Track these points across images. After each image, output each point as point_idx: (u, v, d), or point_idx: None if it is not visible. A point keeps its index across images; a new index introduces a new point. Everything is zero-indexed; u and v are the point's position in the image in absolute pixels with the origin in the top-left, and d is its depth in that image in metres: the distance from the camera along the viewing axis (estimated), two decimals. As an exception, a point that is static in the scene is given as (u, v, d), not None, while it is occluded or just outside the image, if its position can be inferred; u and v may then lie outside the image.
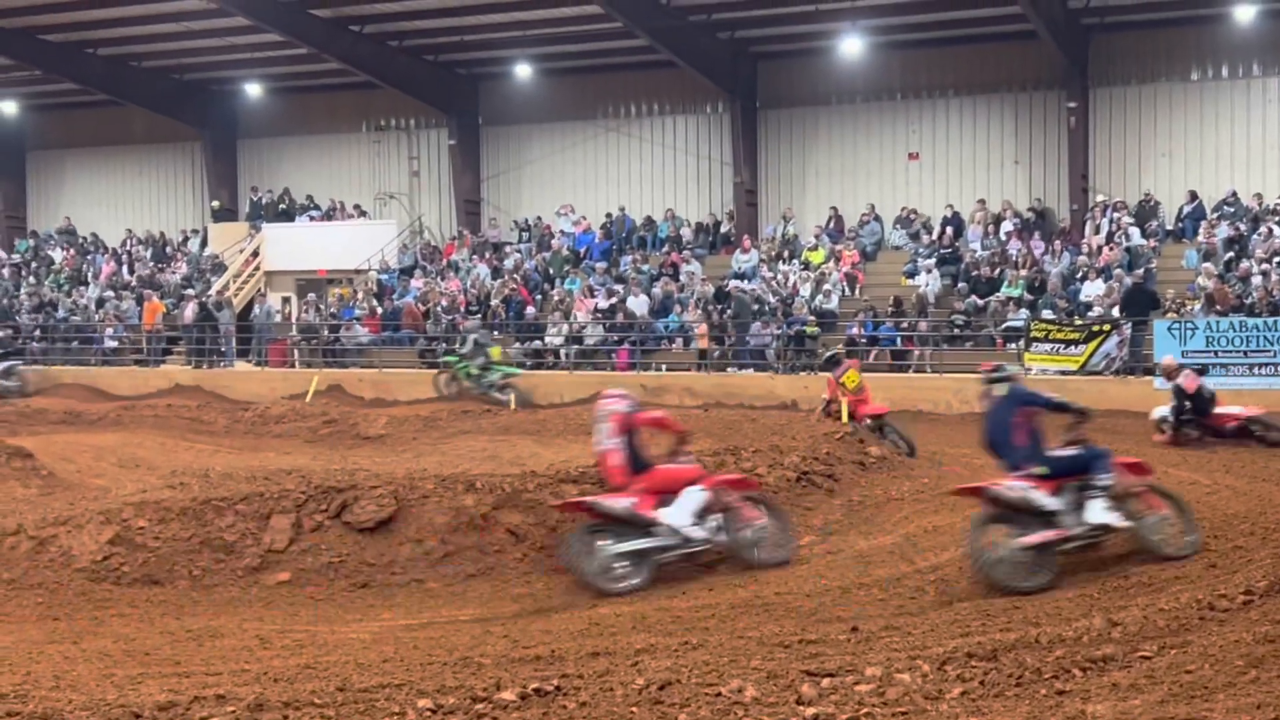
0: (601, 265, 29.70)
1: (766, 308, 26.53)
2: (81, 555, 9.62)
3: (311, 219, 33.77)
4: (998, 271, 25.96)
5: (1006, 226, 27.60)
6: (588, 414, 21.94)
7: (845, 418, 17.08)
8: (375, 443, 20.67)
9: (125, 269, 34.55)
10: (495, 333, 26.87)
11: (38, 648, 7.84)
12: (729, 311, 26.77)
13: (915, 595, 9.10)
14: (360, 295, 30.35)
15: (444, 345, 26.91)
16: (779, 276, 27.85)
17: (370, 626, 8.69)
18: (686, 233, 30.74)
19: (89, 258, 35.74)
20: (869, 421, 17.19)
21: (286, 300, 31.88)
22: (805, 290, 26.91)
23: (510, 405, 23.85)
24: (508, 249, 31.64)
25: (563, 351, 27.41)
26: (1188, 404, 18.06)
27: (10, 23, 30.72)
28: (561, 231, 31.63)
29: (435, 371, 26.12)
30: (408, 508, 10.47)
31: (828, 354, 20.90)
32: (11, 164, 38.46)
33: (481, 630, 8.43)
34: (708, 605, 8.98)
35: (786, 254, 28.86)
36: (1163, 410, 18.40)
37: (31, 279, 34.85)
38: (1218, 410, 18.10)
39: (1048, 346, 23.10)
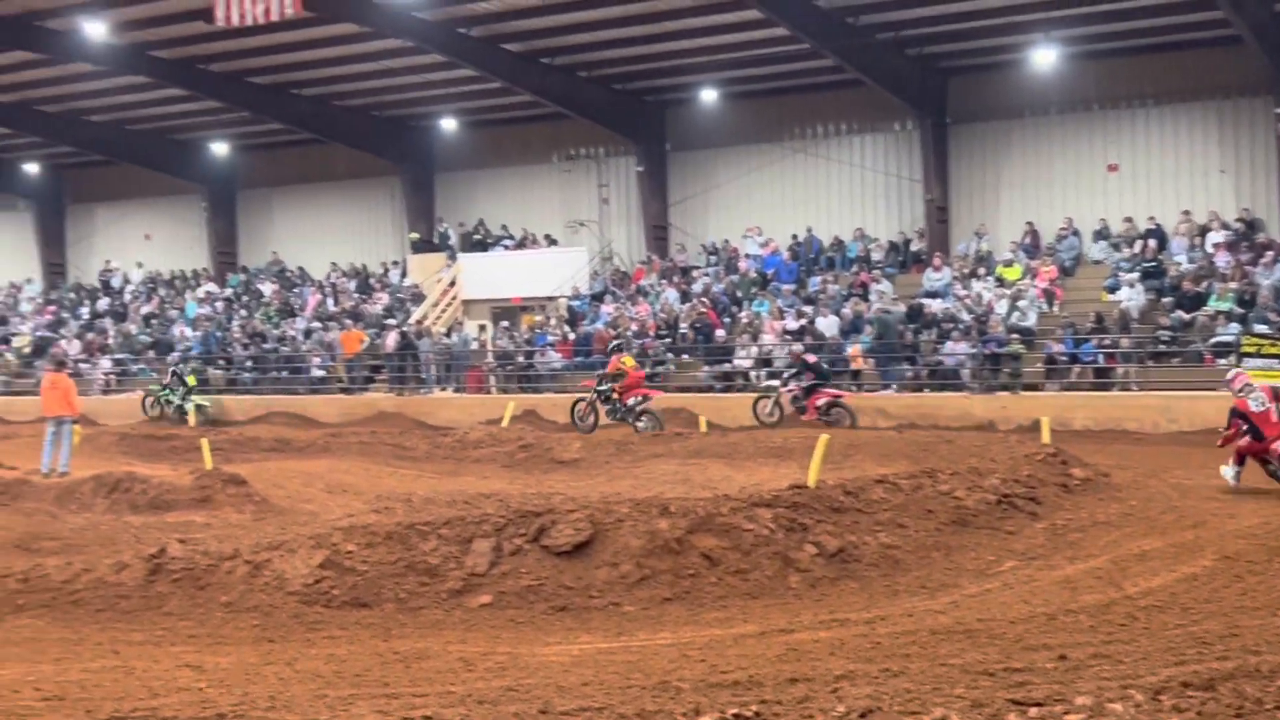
0: (789, 287, 29.58)
1: (960, 326, 26.04)
2: (294, 579, 9.96)
3: (505, 248, 34.48)
4: (1204, 285, 24.97)
5: (1215, 238, 26.52)
6: (779, 437, 21.88)
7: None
8: (569, 467, 20.93)
9: (330, 300, 35.80)
10: (191, 365, 32.46)
11: (254, 669, 8.13)
12: (922, 332, 26.36)
13: (1125, 622, 8.78)
14: (552, 321, 30.83)
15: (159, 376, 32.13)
16: (973, 294, 27.31)
17: (569, 649, 8.78)
18: (876, 252, 30.41)
19: (296, 290, 37.14)
20: (630, 402, 22.90)
21: (482, 328, 32.58)
22: (1000, 308, 26.32)
23: (190, 422, 29.18)
24: (695, 273, 31.77)
25: (752, 374, 27.34)
26: None
27: (222, 67, 32.23)
28: (748, 254, 31.62)
29: (142, 396, 31.45)
30: (603, 532, 10.56)
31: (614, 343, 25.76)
32: (224, 203, 40.26)
33: (679, 654, 8.44)
34: (908, 631, 8.82)
35: (980, 271, 28.29)
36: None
37: (243, 312, 36.36)
38: None
39: (1260, 362, 22.09)
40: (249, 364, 33.12)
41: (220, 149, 39.04)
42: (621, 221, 34.87)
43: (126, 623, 9.63)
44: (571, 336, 30.02)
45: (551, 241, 34.39)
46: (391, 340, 31.41)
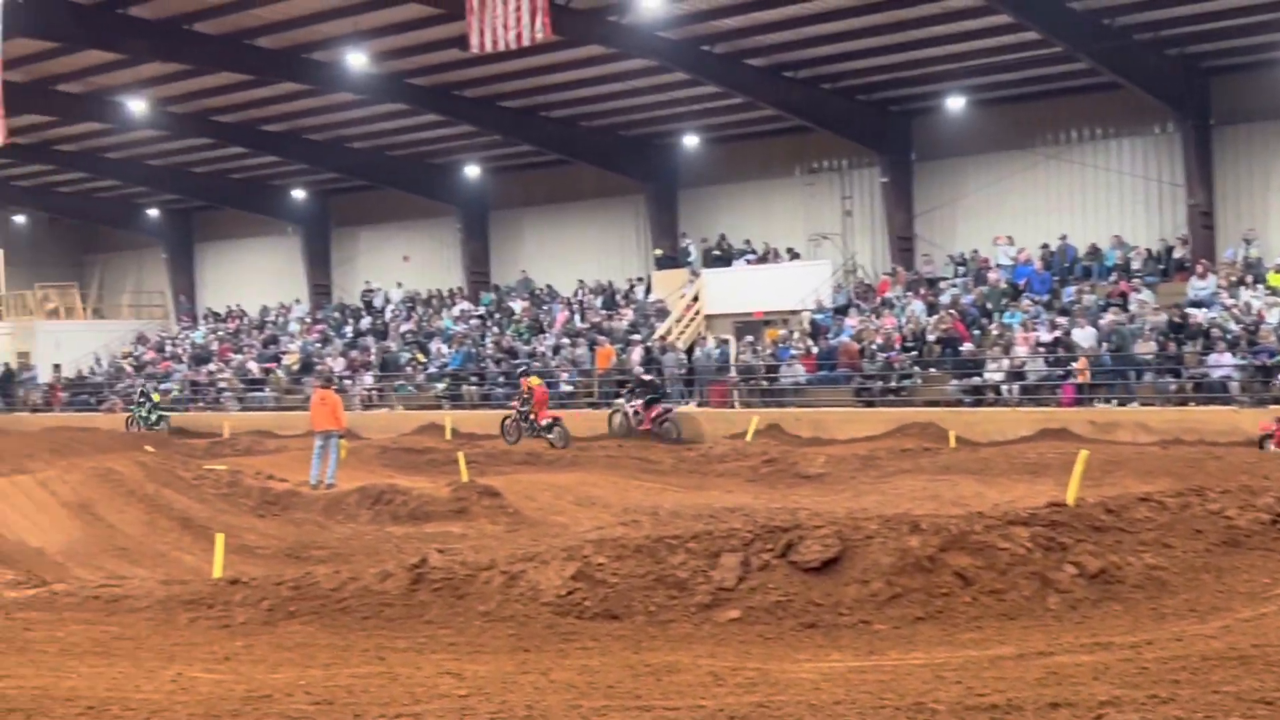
0: (1043, 297, 28.69)
1: (1227, 336, 24.77)
2: (548, 590, 10.14)
3: (748, 262, 34.53)
4: None
5: None
6: (1033, 452, 21.25)
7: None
8: (815, 482, 20.81)
9: (577, 317, 36.52)
10: (161, 384, 38.89)
11: (511, 677, 8.31)
12: (1186, 343, 25.20)
13: None
14: (795, 335, 30.70)
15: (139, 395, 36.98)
16: (1241, 303, 25.94)
17: (819, 666, 8.68)
18: (1135, 260, 29.21)
19: (545, 307, 38.04)
20: (544, 422, 26.89)
21: (725, 342, 32.70)
22: (1272, 317, 24.91)
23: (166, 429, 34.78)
24: (943, 284, 31.15)
25: (1004, 388, 26.62)
26: None
27: (475, 93, 33.34)
28: (999, 264, 30.81)
29: (127, 416, 36.50)
30: (852, 548, 10.41)
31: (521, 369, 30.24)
32: (476, 223, 41.59)
33: (932, 675, 8.24)
34: (1176, 657, 8.39)
35: (1249, 278, 26.85)
36: None
37: (495, 329, 37.44)
38: None
39: None
40: (501, 379, 34.04)
41: (473, 171, 40.35)
42: (865, 233, 34.49)
43: (390, 630, 9.98)
44: (815, 350, 29.82)
45: (794, 255, 34.26)
46: (636, 355, 31.82)
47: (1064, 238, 30.46)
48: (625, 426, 28.49)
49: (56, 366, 45.02)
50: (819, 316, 31.32)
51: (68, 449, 27.85)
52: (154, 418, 36.09)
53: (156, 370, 42.63)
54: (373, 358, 37.81)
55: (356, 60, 29.55)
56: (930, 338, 28.40)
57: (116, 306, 51.75)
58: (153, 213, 48.81)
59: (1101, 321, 26.57)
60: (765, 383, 30.22)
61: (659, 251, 36.53)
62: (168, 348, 45.17)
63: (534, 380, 28.26)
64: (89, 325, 48.92)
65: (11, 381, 44.54)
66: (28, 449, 27.96)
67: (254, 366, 40.22)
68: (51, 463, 21.80)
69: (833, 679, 8.19)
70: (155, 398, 37.02)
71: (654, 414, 28.02)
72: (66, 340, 46.74)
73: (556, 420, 27.16)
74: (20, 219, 50.84)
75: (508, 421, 28.09)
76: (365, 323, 41.32)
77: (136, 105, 33.88)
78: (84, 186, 46.83)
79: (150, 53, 29.87)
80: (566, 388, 32.82)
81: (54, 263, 51.97)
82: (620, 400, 29.25)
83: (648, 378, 28.97)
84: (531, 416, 27.37)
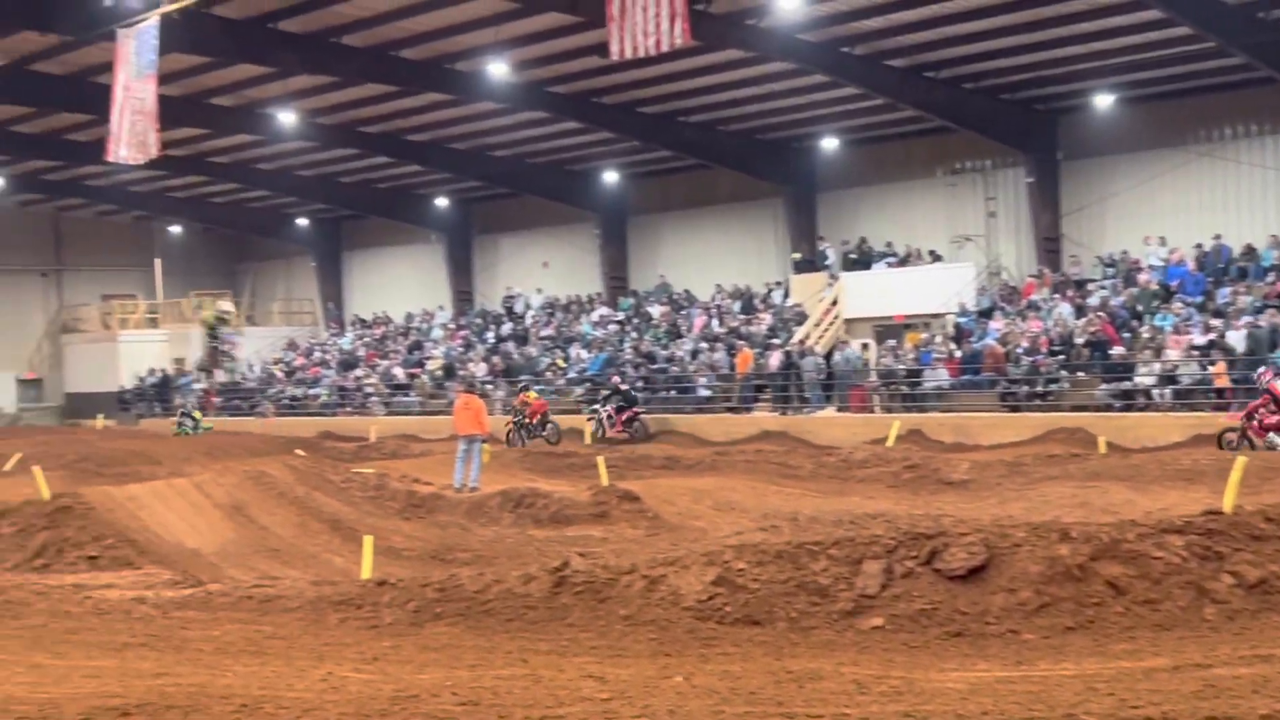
0: (1196, 299, 27.84)
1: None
2: (688, 594, 10.14)
3: (889, 265, 34.15)
4: None
5: None
6: (1186, 458, 20.61)
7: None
8: (958, 488, 20.46)
9: (715, 321, 36.50)
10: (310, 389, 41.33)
11: (653, 682, 8.33)
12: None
13: None
14: (938, 339, 30.26)
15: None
16: None
17: (966, 676, 8.53)
18: (1294, 260, 28.19)
19: (683, 312, 38.09)
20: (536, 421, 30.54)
21: (865, 346, 32.37)
22: None
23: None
24: (1091, 285, 30.42)
25: (1155, 392, 25.89)
26: None
27: (614, 99, 33.55)
28: (1149, 265, 29.97)
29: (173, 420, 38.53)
30: (999, 556, 10.21)
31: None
32: (615, 229, 41.82)
33: (1084, 686, 8.04)
34: (1342, 672, 8.07)
35: None
36: None
37: (634, 333, 37.61)
38: None
39: None
40: (640, 384, 34.18)
41: (611, 177, 40.60)
42: (1010, 234, 33.85)
43: (533, 632, 10.08)
44: (958, 354, 29.35)
45: (936, 257, 33.77)
46: (775, 360, 31.69)
47: (1218, 237, 29.52)
48: (601, 430, 31.19)
49: (210, 373, 46.44)
50: (962, 320, 30.83)
51: (221, 453, 28.71)
52: (200, 431, 37.02)
53: (307, 375, 43.71)
54: (514, 362, 38.26)
55: (498, 69, 29.94)
56: (1078, 341, 27.74)
57: (268, 313, 53.25)
58: (302, 222, 50.11)
59: (1259, 324, 25.68)
60: (906, 387, 29.84)
61: (797, 255, 36.32)
62: (316, 353, 46.29)
63: (531, 395, 31.90)
64: (242, 332, 50.38)
65: (168, 387, 46.09)
66: (184, 452, 28.91)
67: (399, 372, 41.01)
68: (206, 466, 22.49)
69: (980, 689, 8.05)
70: (196, 415, 38.10)
71: (624, 418, 31.25)
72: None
73: (548, 421, 30.84)
74: (176, 229, 52.60)
75: (510, 432, 30.82)
76: (506, 328, 41.83)
77: (286, 117, 34.80)
78: (236, 197, 48.29)
79: (300, 66, 30.66)
80: (704, 392, 32.80)
81: (208, 271, 53.70)
82: (598, 407, 31.80)
83: (624, 387, 32.12)
84: (528, 422, 30.98)
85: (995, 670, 8.70)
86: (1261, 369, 23.50)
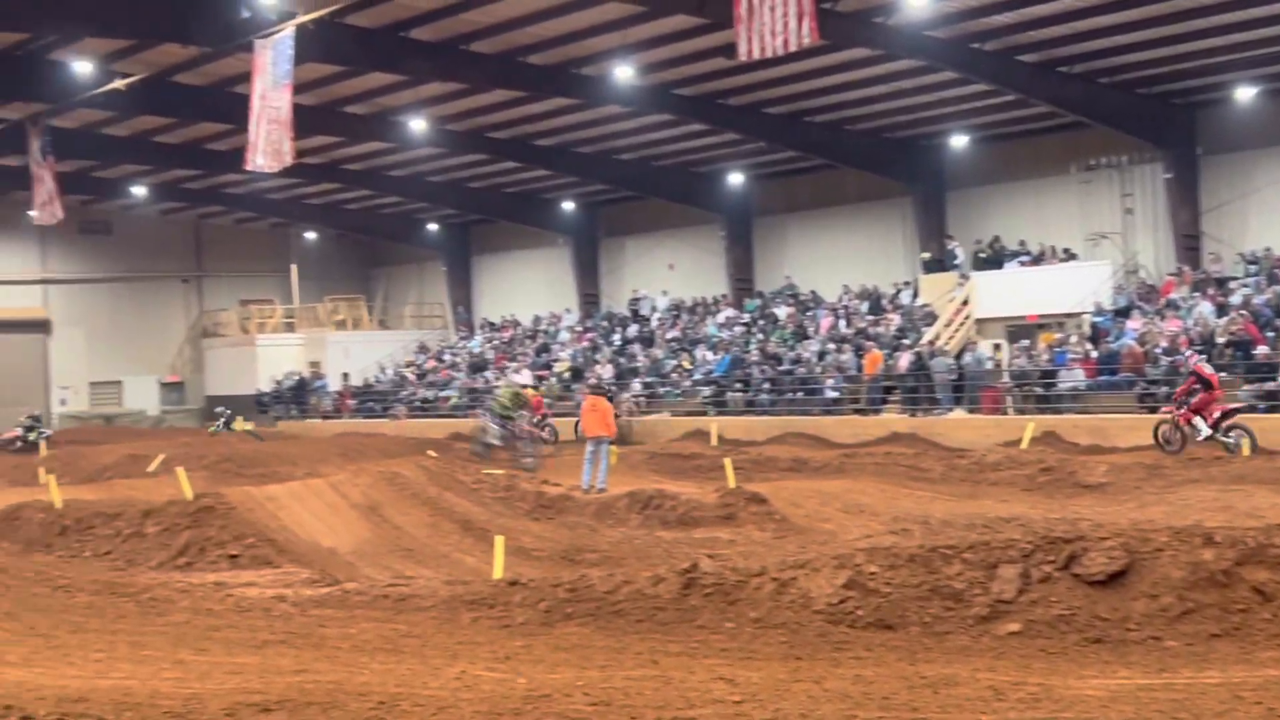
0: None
1: None
2: (819, 597, 10.06)
3: (1021, 264, 33.53)
4: None
5: None
6: (1337, 461, 19.91)
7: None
8: (1095, 491, 20.03)
9: (843, 322, 36.20)
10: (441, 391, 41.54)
11: (784, 685, 8.28)
12: None
13: None
14: (1073, 339, 29.63)
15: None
16: None
17: (1106, 683, 8.33)
18: None
19: (809, 313, 37.85)
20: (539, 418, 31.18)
21: (997, 347, 31.82)
22: None
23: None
24: (1233, 284, 29.51)
25: (1301, 393, 25.04)
26: None
27: (739, 100, 33.47)
28: (1296, 262, 29.01)
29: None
30: (1140, 561, 9.96)
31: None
32: (740, 231, 41.73)
33: (1230, 695, 7.80)
34: None
35: None
36: None
37: (760, 335, 37.49)
38: None
39: None
40: (766, 385, 34.05)
41: (736, 179, 40.52)
42: (1147, 232, 33.02)
43: (663, 633, 10.09)
44: (1094, 354, 28.70)
45: (1070, 255, 33.08)
46: (904, 361, 31.32)
47: (1368, 232, 28.49)
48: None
49: (345, 375, 47.39)
50: (1099, 319, 30.13)
51: (356, 454, 29.29)
52: (225, 428, 38.42)
53: (438, 378, 44.36)
54: (640, 364, 38.38)
55: (624, 73, 30.07)
56: (1220, 340, 26.94)
57: (399, 317, 54.19)
58: (432, 227, 50.90)
59: None
60: (1040, 388, 29.26)
61: (926, 255, 35.86)
62: (447, 356, 46.97)
63: (531, 391, 33.55)
64: (374, 335, 51.40)
65: (305, 390, 47.16)
66: (320, 454, 29.54)
67: (527, 374, 41.41)
68: (342, 467, 22.97)
69: (1121, 697, 7.86)
70: (236, 424, 39.17)
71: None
72: (354, 350, 49.21)
73: (546, 422, 32.69)
74: (311, 235, 53.82)
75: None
76: (633, 330, 41.99)
77: (417, 124, 35.38)
78: (368, 203, 49.23)
79: (430, 73, 31.14)
80: (832, 394, 32.54)
81: (342, 276, 54.83)
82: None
83: (596, 384, 33.45)
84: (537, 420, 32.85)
85: (1137, 678, 8.49)
86: (1187, 352, 25.32)
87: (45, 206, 34.03)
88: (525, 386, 33.29)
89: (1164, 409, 24.51)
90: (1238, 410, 23.45)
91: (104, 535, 16.55)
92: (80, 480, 26.25)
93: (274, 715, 7.54)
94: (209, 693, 8.31)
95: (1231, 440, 22.88)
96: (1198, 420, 23.16)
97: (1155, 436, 23.84)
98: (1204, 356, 25.34)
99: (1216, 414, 23.07)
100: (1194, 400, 23.23)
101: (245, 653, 10.04)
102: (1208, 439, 23.02)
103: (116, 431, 43.30)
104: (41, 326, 49.15)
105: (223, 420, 39.27)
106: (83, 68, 30.13)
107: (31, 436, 37.08)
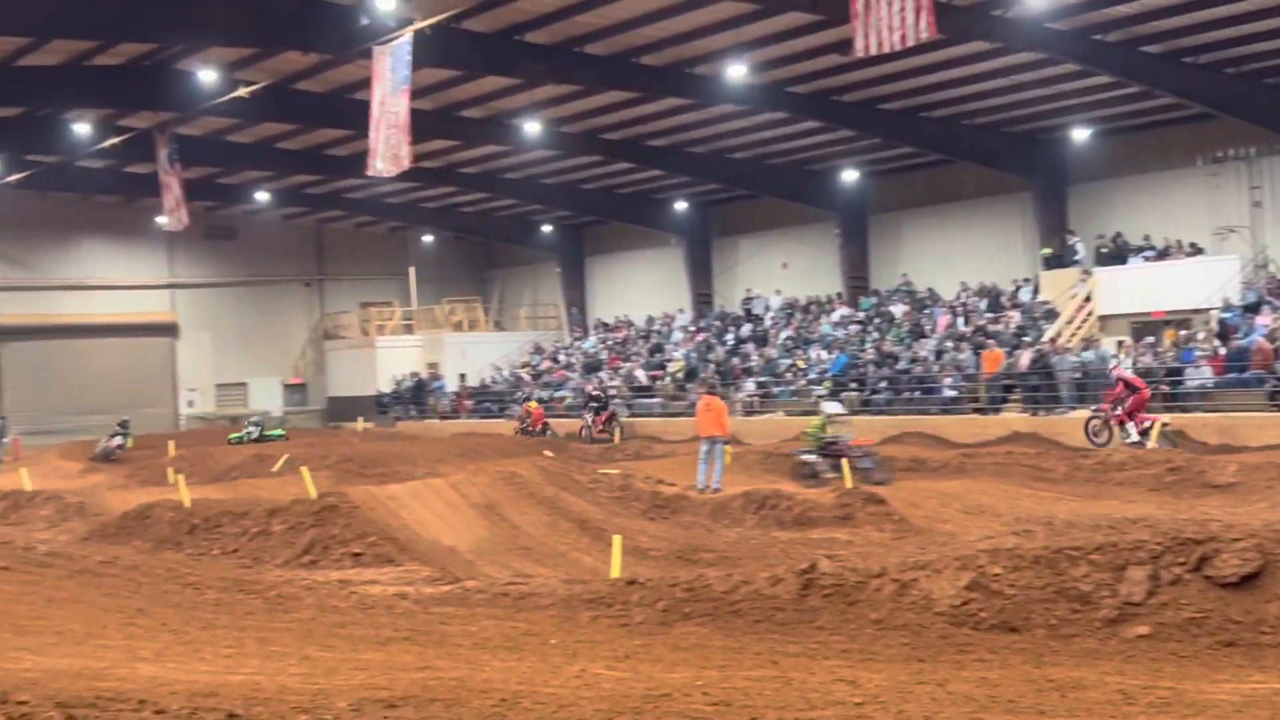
0: None
1: None
2: (941, 599, 9.93)
3: (1145, 259, 32.76)
4: None
5: None
6: None
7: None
8: (1225, 491, 19.51)
9: (960, 320, 35.71)
10: (556, 391, 42.83)
11: (906, 687, 8.19)
12: None
13: None
14: (1200, 336, 28.87)
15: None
16: None
17: (1239, 688, 8.11)
18: None
19: (926, 311, 37.40)
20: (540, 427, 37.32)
21: (1121, 344, 31.12)
22: None
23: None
24: (1369, 278, 28.55)
25: None
26: None
27: (854, 97, 33.21)
28: None
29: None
30: (1274, 562, 9.67)
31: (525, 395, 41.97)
32: (855, 228, 41.38)
33: (1374, 704, 7.55)
34: None
35: None
36: None
37: (875, 334, 37.14)
38: None
39: None
40: (882, 385, 33.71)
41: (851, 176, 40.20)
42: (1277, 225, 32.04)
43: (782, 634, 10.04)
44: (1223, 351, 27.93)
45: (1196, 250, 32.22)
46: (1025, 359, 30.78)
47: None
48: (589, 433, 36.15)
49: (462, 376, 47.97)
50: (1227, 315, 29.31)
51: (474, 453, 29.62)
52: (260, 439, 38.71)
53: (553, 378, 44.69)
54: (754, 364, 38.27)
55: (737, 72, 29.99)
56: (1355, 336, 26.08)
57: (515, 318, 54.71)
58: (546, 228, 51.29)
59: None
60: (1167, 386, 28.56)
61: (1047, 251, 35.20)
62: (561, 357, 47.30)
63: (532, 404, 39.32)
64: (490, 337, 51.95)
65: (423, 390, 47.83)
66: (439, 453, 29.93)
67: (641, 374, 41.54)
68: (460, 466, 23.23)
69: (1255, 702, 7.65)
70: (269, 430, 39.87)
71: (603, 419, 36.64)
72: (471, 351, 49.79)
73: (548, 429, 37.17)
74: (428, 238, 54.57)
75: (515, 433, 36.97)
76: (746, 330, 41.87)
77: (531, 127, 35.68)
78: (484, 206, 49.78)
79: (545, 76, 31.38)
80: (950, 393, 32.10)
81: (458, 278, 55.53)
82: (584, 413, 37.40)
83: (596, 393, 37.75)
84: (531, 428, 37.45)
85: (1271, 682, 8.26)
86: (1112, 362, 27.73)
87: (173, 213, 34.94)
88: (528, 399, 38.89)
89: (1095, 408, 26.74)
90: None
91: (231, 533, 16.96)
92: (207, 480, 26.94)
93: (399, 711, 7.63)
94: (335, 688, 8.45)
95: (1162, 445, 24.18)
96: (1129, 425, 25.00)
97: (1085, 430, 26.20)
98: (1129, 364, 27.86)
99: (1145, 424, 24.84)
100: (1126, 405, 25.19)
101: (370, 649, 10.20)
102: (1134, 443, 24.42)
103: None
104: (169, 330, 50.51)
105: (256, 430, 39.60)
106: (207, 76, 30.89)
107: (126, 443, 38.14)
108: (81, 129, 35.54)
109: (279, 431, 40.28)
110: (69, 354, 47.56)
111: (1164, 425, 24.79)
